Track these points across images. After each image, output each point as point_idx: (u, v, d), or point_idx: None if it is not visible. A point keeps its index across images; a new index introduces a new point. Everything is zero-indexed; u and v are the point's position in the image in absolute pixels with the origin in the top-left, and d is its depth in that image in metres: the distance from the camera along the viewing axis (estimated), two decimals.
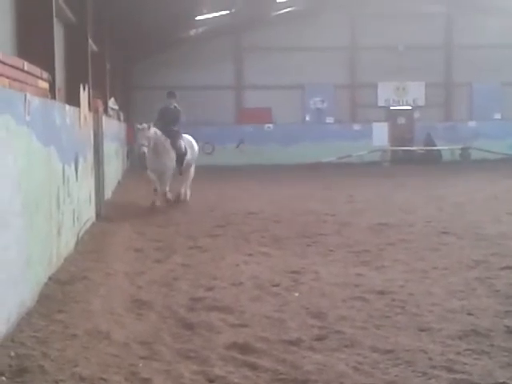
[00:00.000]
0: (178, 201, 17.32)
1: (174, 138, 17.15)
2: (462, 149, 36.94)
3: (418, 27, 37.57)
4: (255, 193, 21.18)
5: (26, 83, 8.74)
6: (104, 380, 5.39)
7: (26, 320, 6.97)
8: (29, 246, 7.62)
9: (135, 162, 20.19)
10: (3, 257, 6.43)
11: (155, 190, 16.80)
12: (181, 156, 17.32)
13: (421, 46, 37.90)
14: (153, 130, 16.34)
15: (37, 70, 9.73)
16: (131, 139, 27.03)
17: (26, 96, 7.66)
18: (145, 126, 16.12)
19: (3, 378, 5.40)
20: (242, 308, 7.56)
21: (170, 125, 17.05)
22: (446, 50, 39.20)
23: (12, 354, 5.92)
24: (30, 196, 7.71)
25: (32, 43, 11.74)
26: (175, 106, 17.79)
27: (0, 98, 6.50)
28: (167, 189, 17.00)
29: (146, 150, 16.01)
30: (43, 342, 6.31)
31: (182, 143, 17.54)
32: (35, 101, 8.23)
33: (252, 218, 15.07)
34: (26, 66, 8.90)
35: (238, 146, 36.80)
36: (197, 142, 18.86)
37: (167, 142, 16.88)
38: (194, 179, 17.89)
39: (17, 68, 8.33)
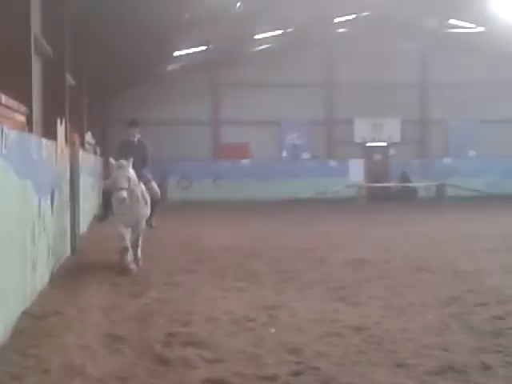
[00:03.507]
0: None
1: (144, 178, 13.24)
2: (437, 185, 37.20)
3: (393, 65, 38.09)
4: (232, 228, 21.15)
5: (3, 116, 8.73)
6: None
7: (0, 355, 6.88)
8: (2, 280, 7.54)
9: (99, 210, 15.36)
10: None
11: (125, 249, 12.43)
12: (155, 203, 13.61)
13: (396, 83, 38.41)
14: (131, 169, 12.43)
15: (14, 104, 9.73)
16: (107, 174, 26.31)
17: (2, 129, 7.63)
18: (123, 163, 12.27)
19: None
20: (218, 343, 7.49)
21: (134, 165, 12.54)
22: (422, 87, 39.73)
23: None
24: (4, 229, 7.64)
25: (10, 77, 11.73)
26: (139, 140, 13.59)
27: None
28: (140, 242, 13.21)
29: (126, 194, 12.05)
30: (17, 377, 6.23)
31: (155, 186, 13.87)
32: (12, 134, 8.20)
33: (228, 253, 15.01)
34: (4, 99, 8.90)
35: (214, 181, 36.86)
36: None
37: (141, 184, 12.91)
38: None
39: None
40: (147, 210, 13.14)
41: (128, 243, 12.57)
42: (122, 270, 12.33)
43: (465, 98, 38.05)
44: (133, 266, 12.48)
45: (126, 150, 13.08)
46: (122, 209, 12.42)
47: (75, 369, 6.49)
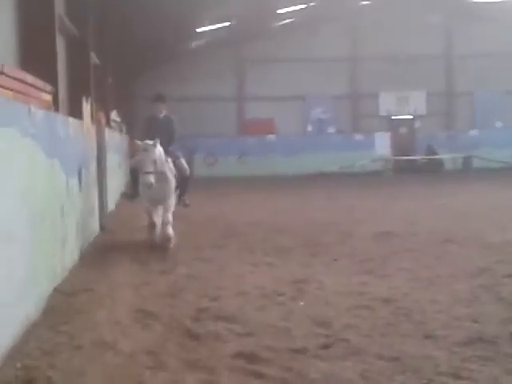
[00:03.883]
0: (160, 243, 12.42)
1: (172, 155, 12.92)
2: (463, 157, 36.98)
3: (418, 37, 37.72)
4: (258, 203, 21.21)
5: (30, 96, 8.79)
6: None
7: (32, 332, 6.98)
8: (33, 258, 7.63)
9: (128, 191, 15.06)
10: (9, 268, 6.44)
11: (152, 224, 12.48)
12: (184, 180, 13.30)
13: (421, 55, 38.05)
14: (158, 149, 12.08)
15: (40, 83, 9.78)
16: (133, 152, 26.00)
17: (30, 108, 7.69)
18: (149, 144, 11.94)
19: None
20: (248, 317, 7.55)
21: (161, 141, 12.16)
22: (447, 59, 39.37)
23: (18, 365, 5.93)
24: (34, 208, 7.73)
25: (35, 56, 11.79)
26: (166, 115, 13.22)
27: (4, 110, 6.53)
28: (170, 219, 12.38)
29: (152, 179, 11.78)
30: (49, 353, 6.31)
31: (184, 163, 13.42)
32: (39, 113, 8.27)
33: (255, 229, 15.06)
34: (30, 78, 8.96)
35: (239, 158, 36.91)
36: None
37: (169, 163, 12.64)
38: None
39: (21, 81, 8.38)
40: (173, 187, 12.69)
41: (155, 219, 12.43)
42: (151, 246, 12.32)
43: (490, 69, 37.60)
44: (160, 242, 12.26)
45: (152, 126, 12.82)
46: (149, 190, 12.05)
47: (107, 344, 6.56)
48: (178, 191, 13.13)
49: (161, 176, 12.13)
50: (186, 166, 13.36)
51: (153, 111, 13.21)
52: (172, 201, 12.69)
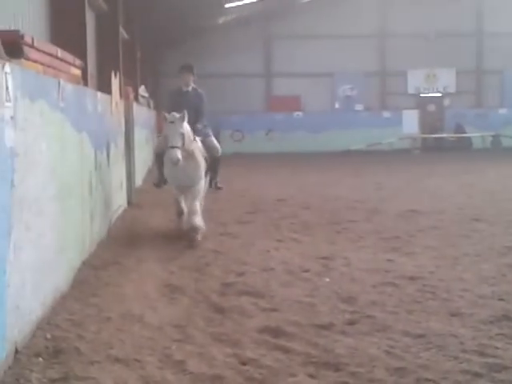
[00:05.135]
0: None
1: (200, 134, 11.36)
2: (492, 136, 36.68)
3: (448, 14, 37.30)
4: (285, 180, 21.22)
5: (60, 70, 8.86)
6: (138, 361, 5.45)
7: (61, 304, 7.07)
8: (63, 232, 7.71)
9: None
10: (38, 241, 6.52)
11: (181, 214, 11.25)
12: (216, 161, 11.81)
13: (451, 32, 37.61)
14: (186, 123, 10.49)
15: (70, 57, 9.84)
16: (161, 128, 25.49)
17: (59, 82, 7.74)
18: (176, 116, 10.35)
19: (40, 359, 5.50)
20: (273, 293, 7.60)
21: (188, 118, 10.47)
22: (477, 36, 38.88)
23: (48, 336, 6.03)
24: (63, 182, 7.79)
25: (65, 31, 11.87)
26: (194, 88, 11.67)
27: (35, 83, 6.58)
28: (197, 207, 10.87)
29: (179, 154, 10.15)
30: (78, 324, 6.40)
31: (215, 141, 11.98)
32: (68, 87, 8.31)
33: (282, 205, 15.10)
34: (60, 52, 9.01)
35: (267, 134, 36.87)
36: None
37: (197, 142, 11.07)
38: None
39: (51, 55, 8.44)
40: (203, 171, 11.12)
41: (183, 206, 11.16)
42: (178, 234, 11.07)
43: None
44: (199, 235, 10.59)
45: (178, 100, 11.26)
46: (175, 171, 10.63)
47: (135, 317, 6.65)
48: (208, 175, 11.74)
49: (188, 156, 10.57)
50: (217, 145, 11.88)
51: (179, 84, 11.74)
52: (201, 187, 11.23)
